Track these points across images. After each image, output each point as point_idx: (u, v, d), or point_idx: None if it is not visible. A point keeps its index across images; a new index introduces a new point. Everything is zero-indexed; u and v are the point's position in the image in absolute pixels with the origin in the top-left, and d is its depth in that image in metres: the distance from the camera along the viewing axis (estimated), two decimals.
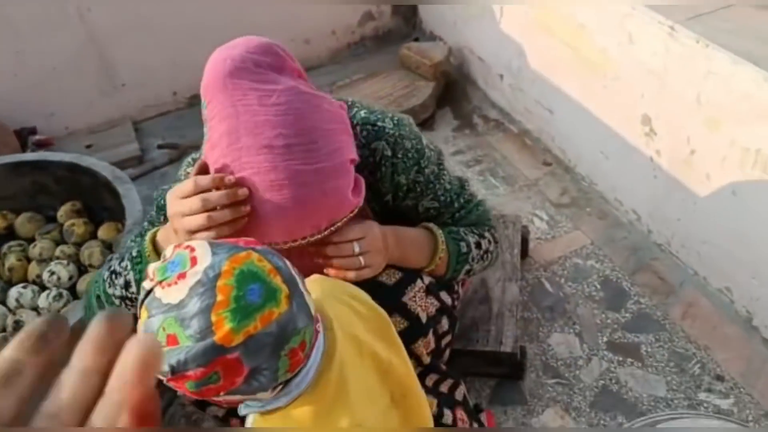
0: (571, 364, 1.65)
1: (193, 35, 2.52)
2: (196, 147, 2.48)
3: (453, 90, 2.62)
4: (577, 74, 2.01)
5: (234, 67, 0.99)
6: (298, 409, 0.86)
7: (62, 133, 2.52)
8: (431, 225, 1.27)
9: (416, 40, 2.82)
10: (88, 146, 2.45)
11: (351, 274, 1.07)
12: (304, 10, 2.68)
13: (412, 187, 1.23)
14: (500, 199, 2.14)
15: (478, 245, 1.29)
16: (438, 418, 1.30)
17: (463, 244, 1.26)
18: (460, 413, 1.35)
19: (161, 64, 2.57)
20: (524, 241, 1.88)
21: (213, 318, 0.75)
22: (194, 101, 2.71)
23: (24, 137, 2.39)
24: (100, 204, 1.85)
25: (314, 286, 0.98)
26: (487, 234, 1.32)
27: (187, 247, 0.80)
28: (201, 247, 0.80)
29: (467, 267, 1.29)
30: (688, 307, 1.74)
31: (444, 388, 1.36)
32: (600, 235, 1.98)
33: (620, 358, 1.65)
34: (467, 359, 1.62)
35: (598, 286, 1.83)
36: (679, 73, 1.63)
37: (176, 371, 0.75)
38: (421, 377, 1.31)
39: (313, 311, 0.85)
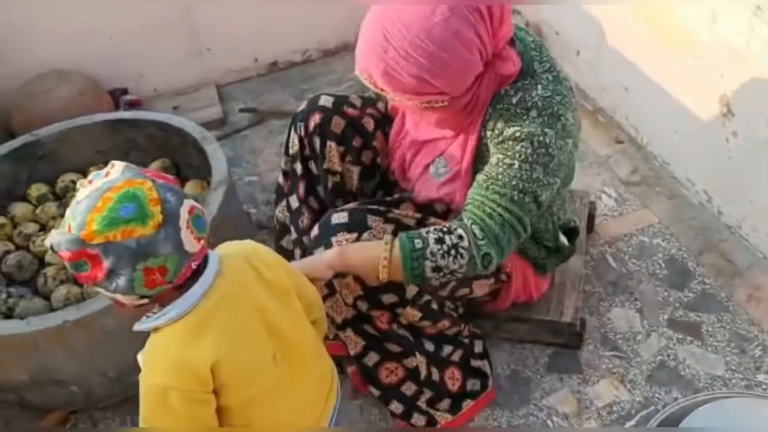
0: (629, 338, 1.68)
1: (275, 3, 2.62)
2: (276, 113, 2.60)
3: None
4: (656, 52, 1.99)
5: None
6: (171, 328, 1.02)
7: (151, 94, 2.68)
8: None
9: None
10: (175, 107, 2.59)
11: None
12: None
13: (499, 134, 1.29)
14: None
15: (440, 240, 1.25)
16: (361, 357, 1.49)
17: (418, 240, 1.26)
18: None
19: (245, 30, 2.67)
20: (590, 217, 1.90)
21: (88, 217, 0.93)
22: (274, 68, 2.82)
23: (116, 97, 2.55)
24: (186, 162, 1.98)
25: (231, 247, 1.14)
26: (460, 230, 1.26)
27: (113, 165, 1.00)
28: (118, 167, 0.99)
29: (429, 263, 1.25)
30: (753, 290, 1.74)
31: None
32: (668, 214, 1.98)
33: (680, 336, 1.67)
34: (526, 327, 1.67)
35: (663, 265, 1.84)
36: (762, 54, 1.60)
37: (54, 249, 0.96)
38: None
39: (189, 249, 0.97)
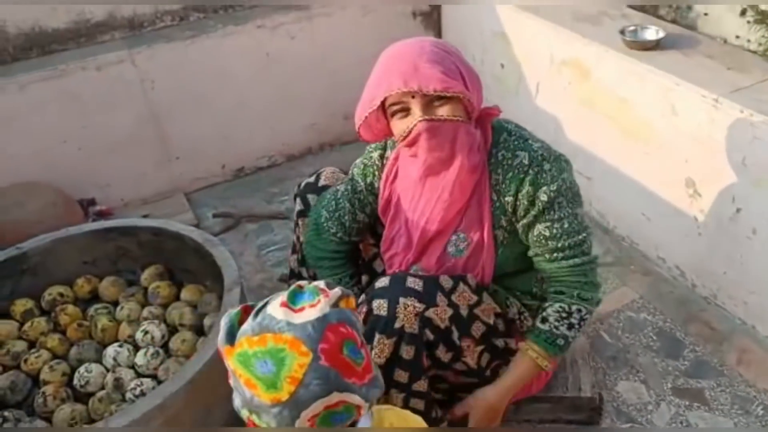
0: (641, 409, 1.75)
1: (241, 112, 2.70)
2: (250, 216, 2.64)
3: None
4: (617, 143, 2.20)
5: None
6: None
7: (118, 203, 2.63)
8: (521, 347, 1.52)
9: None
10: (145, 215, 2.55)
11: None
12: (345, 87, 2.87)
13: (534, 203, 1.43)
14: None
15: (560, 318, 1.48)
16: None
17: (546, 325, 1.48)
18: None
19: (212, 138, 2.72)
20: None
21: (242, 338, 0.91)
22: (240, 174, 2.85)
23: (85, 208, 2.49)
24: (182, 266, 1.94)
25: (389, 412, 1.10)
26: (575, 303, 1.48)
27: (327, 294, 0.94)
28: (325, 303, 0.92)
29: (560, 342, 1.48)
30: (741, 354, 1.87)
31: None
32: (647, 290, 2.12)
33: (687, 403, 1.75)
34: (546, 406, 1.71)
35: (654, 337, 1.95)
36: (725, 140, 1.81)
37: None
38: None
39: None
